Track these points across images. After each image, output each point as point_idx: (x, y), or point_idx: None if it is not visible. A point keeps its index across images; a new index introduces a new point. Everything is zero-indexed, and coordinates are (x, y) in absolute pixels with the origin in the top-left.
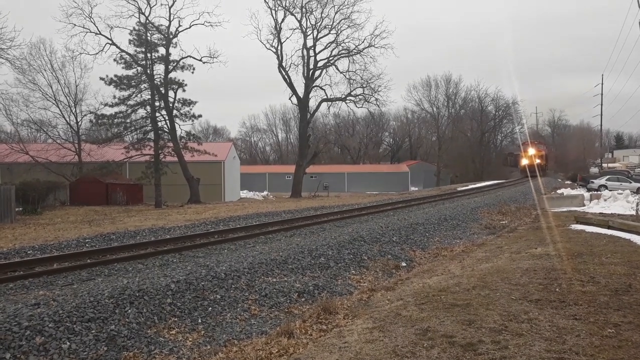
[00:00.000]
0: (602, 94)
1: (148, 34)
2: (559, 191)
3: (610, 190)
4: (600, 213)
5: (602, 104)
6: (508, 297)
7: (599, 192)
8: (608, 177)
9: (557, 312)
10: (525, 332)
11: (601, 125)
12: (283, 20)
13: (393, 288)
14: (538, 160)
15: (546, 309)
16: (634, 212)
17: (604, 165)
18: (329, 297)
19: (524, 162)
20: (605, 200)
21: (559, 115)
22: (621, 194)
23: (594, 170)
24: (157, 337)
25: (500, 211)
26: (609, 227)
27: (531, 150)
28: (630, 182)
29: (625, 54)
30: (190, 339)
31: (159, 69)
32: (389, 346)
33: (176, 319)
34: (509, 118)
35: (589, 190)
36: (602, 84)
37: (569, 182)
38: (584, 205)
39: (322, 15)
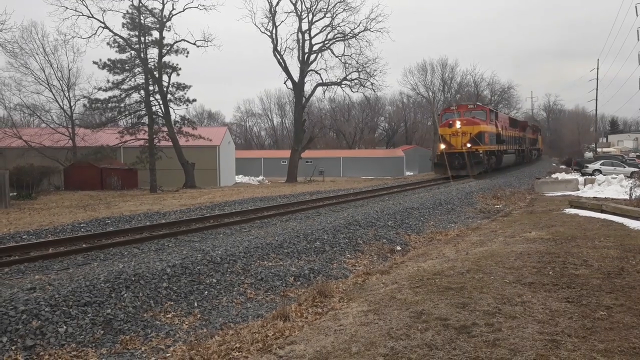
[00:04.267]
0: (597, 79)
1: (141, 17)
2: (553, 175)
3: (604, 175)
4: (594, 197)
5: (597, 89)
6: (502, 280)
7: (593, 177)
8: (602, 161)
9: (550, 295)
10: (519, 315)
11: (596, 109)
12: (278, 3)
13: (388, 272)
14: (469, 145)
15: (539, 292)
16: (627, 196)
17: (599, 149)
18: (325, 280)
19: (442, 146)
20: (599, 184)
21: (554, 100)
22: (615, 178)
23: (588, 154)
24: (153, 320)
25: (495, 195)
26: (603, 211)
27: (458, 124)
28: (624, 167)
29: (621, 39)
30: (186, 323)
31: (153, 52)
32: (383, 329)
33: (172, 303)
34: (505, 103)
35: (583, 174)
36: (597, 68)
37: (563, 166)
38: (578, 189)
39: None
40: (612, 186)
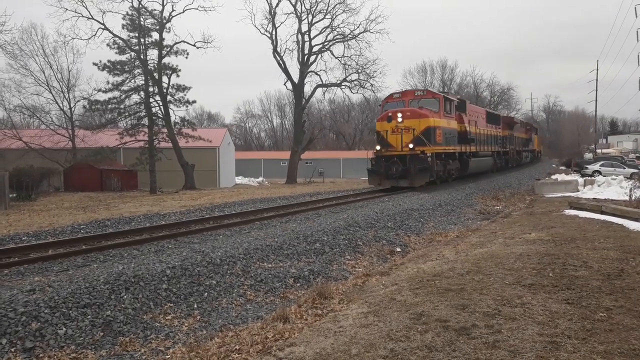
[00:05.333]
0: (597, 80)
1: (141, 19)
2: (553, 177)
3: (604, 176)
4: (594, 198)
5: (596, 90)
6: (502, 281)
7: (592, 178)
8: (602, 162)
9: (550, 296)
10: (519, 317)
11: (595, 111)
12: (277, 4)
13: (388, 273)
14: (411, 145)
15: (539, 293)
16: (627, 198)
17: (598, 150)
18: (324, 282)
19: (377, 147)
20: (599, 185)
21: (554, 101)
22: (615, 179)
23: (588, 155)
24: (153, 322)
25: (494, 197)
26: (602, 212)
27: (399, 117)
28: (624, 168)
29: (621, 40)
30: (186, 324)
31: (153, 54)
32: (383, 330)
33: (172, 305)
34: (504, 104)
35: (583, 175)
36: (597, 69)
37: (563, 167)
38: (578, 190)
39: None
40: (612, 187)
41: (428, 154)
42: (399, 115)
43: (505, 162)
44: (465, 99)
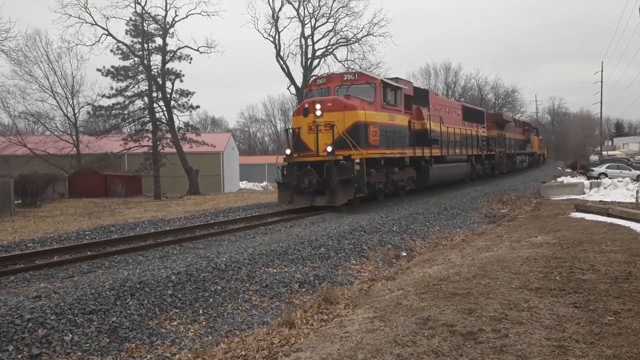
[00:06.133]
0: (602, 81)
1: (144, 24)
2: (558, 179)
3: (610, 178)
4: (600, 201)
5: (602, 91)
6: (508, 285)
7: (599, 180)
8: (608, 164)
9: (557, 300)
10: (526, 321)
11: (601, 112)
12: (280, 8)
13: (393, 277)
14: (330, 148)
15: (546, 297)
16: (633, 200)
17: (604, 152)
18: (330, 287)
19: (288, 151)
20: (605, 188)
21: (558, 103)
22: (621, 181)
23: (593, 158)
24: (158, 328)
25: (500, 200)
26: (609, 215)
27: (317, 109)
28: (630, 170)
29: (626, 41)
30: (191, 330)
31: (156, 59)
32: (389, 335)
33: (177, 310)
34: (509, 106)
35: (589, 178)
36: (602, 71)
37: (569, 170)
38: (584, 193)
39: (320, 3)
40: (618, 189)
41: (356, 161)
42: (318, 106)
43: (490, 167)
44: (428, 88)
